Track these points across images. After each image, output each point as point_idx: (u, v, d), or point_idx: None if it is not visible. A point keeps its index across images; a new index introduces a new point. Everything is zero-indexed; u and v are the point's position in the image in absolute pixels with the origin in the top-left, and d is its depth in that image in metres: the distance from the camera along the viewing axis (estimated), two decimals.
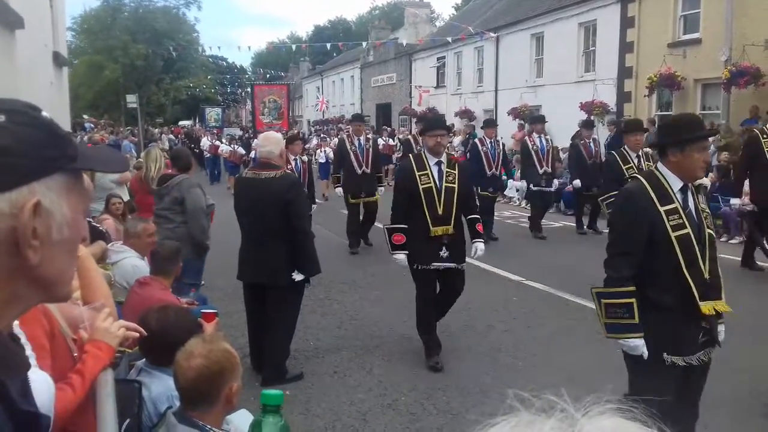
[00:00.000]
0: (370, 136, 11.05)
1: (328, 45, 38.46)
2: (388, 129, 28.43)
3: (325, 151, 21.42)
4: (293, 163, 9.06)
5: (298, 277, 5.23)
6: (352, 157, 10.58)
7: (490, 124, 12.29)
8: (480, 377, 5.36)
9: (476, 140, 12.07)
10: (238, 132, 31.74)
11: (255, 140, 23.98)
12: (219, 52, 65.92)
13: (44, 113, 0.95)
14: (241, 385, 2.47)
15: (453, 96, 28.53)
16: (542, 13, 22.50)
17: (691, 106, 16.32)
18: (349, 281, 8.50)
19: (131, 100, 33.39)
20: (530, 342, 6.19)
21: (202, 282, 7.72)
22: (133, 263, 4.88)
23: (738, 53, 14.15)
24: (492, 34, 24.85)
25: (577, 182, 11.98)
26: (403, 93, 33.69)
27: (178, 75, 43.56)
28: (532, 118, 14.05)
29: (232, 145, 22.60)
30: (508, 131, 22.33)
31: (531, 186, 11.81)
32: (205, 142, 24.62)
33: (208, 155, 23.90)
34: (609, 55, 19.08)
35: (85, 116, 41.27)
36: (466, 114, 26.22)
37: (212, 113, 38.04)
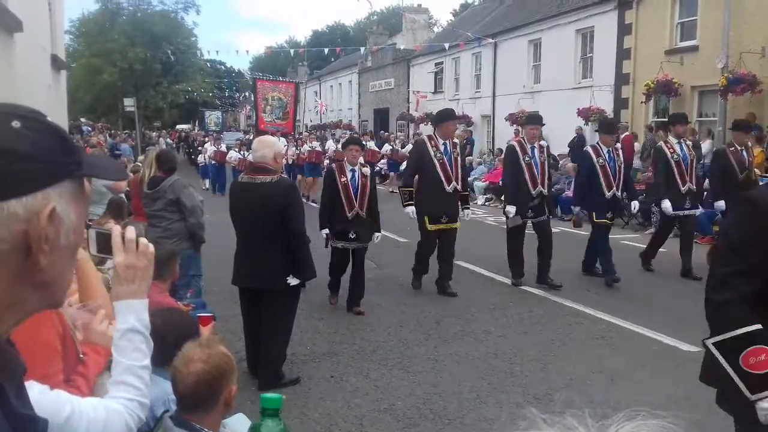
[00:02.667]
0: (456, 140, 8.58)
1: (326, 50, 38.46)
2: (399, 135, 27.51)
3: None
4: (348, 176, 7.26)
5: (293, 281, 5.23)
6: (438, 167, 7.97)
7: (609, 128, 9.16)
8: (477, 382, 5.36)
9: (589, 149, 8.94)
10: (241, 135, 31.33)
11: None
12: (217, 57, 65.95)
13: (49, 118, 0.96)
14: (238, 387, 2.47)
15: (451, 101, 28.54)
16: (540, 20, 22.58)
17: (687, 113, 16.32)
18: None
19: (129, 103, 33.38)
20: (527, 347, 6.19)
21: (201, 283, 7.71)
22: None
23: (735, 60, 14.20)
24: (490, 40, 24.91)
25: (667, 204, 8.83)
26: (401, 98, 33.73)
27: (176, 79, 43.50)
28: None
29: (242, 152, 20.19)
30: (504, 137, 22.40)
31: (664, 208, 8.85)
32: (209, 149, 22.48)
33: (213, 162, 21.81)
34: (606, 62, 19.14)
35: (83, 119, 41.24)
36: (463, 119, 26.26)
37: (212, 117, 37.96)
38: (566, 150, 18.23)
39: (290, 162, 21.25)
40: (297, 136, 24.48)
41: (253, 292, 5.36)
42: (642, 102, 17.28)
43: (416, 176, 8.36)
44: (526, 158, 8.38)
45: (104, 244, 1.63)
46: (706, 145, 14.57)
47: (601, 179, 8.50)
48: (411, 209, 8.12)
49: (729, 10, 14.29)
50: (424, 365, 5.75)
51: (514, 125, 22.06)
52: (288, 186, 5.40)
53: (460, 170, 8.20)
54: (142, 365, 1.67)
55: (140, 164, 8.22)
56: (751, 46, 14.07)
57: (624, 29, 18.44)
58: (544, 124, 8.87)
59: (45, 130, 0.91)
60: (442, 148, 8.09)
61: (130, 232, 1.62)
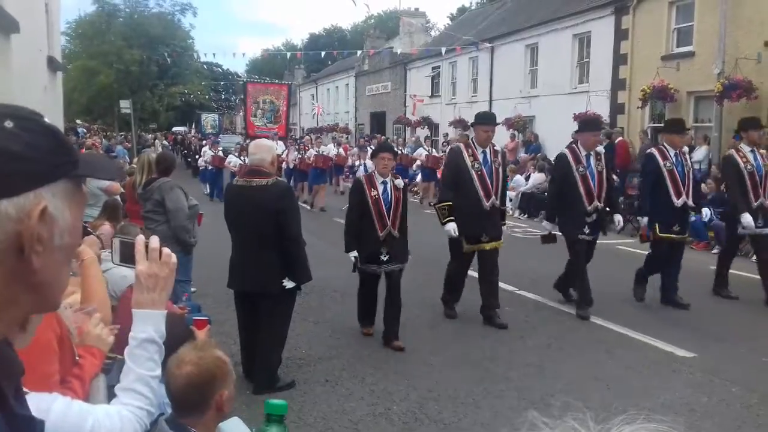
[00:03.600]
0: (498, 148, 7.42)
1: (323, 53, 38.52)
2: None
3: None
4: (380, 189, 6.31)
5: (289, 284, 5.22)
6: (475, 180, 6.93)
7: (677, 127, 8.03)
8: (472, 387, 5.35)
9: (654, 152, 7.81)
10: (239, 139, 31.06)
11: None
12: (214, 59, 65.75)
13: (46, 119, 0.95)
14: (233, 392, 2.45)
15: (447, 105, 28.60)
16: (537, 24, 22.63)
17: (684, 118, 16.40)
18: (342, 289, 8.47)
19: (125, 105, 33.33)
20: (523, 352, 6.19)
21: (193, 288, 7.69)
22: (122, 273, 4.83)
23: (731, 66, 14.25)
24: (487, 45, 24.96)
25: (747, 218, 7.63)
26: (398, 102, 33.76)
27: (173, 81, 43.52)
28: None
29: (242, 157, 18.50)
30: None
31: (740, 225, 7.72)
32: (207, 153, 21.52)
33: (210, 167, 20.82)
34: (603, 67, 19.19)
35: (78, 121, 41.21)
36: (460, 123, 26.28)
37: (209, 119, 37.72)
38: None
39: (291, 167, 20.69)
40: (299, 140, 24.06)
41: (248, 295, 5.35)
42: (638, 107, 17.32)
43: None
44: (581, 169, 7.20)
45: (128, 254, 1.66)
46: (702, 151, 14.62)
47: (669, 185, 7.43)
48: (452, 226, 6.89)
49: (725, 17, 14.35)
50: (420, 370, 5.74)
51: (511, 130, 22.11)
52: (284, 189, 5.39)
53: (501, 183, 7.10)
54: (154, 375, 1.69)
55: (134, 166, 8.20)
56: (747, 52, 14.12)
57: (621, 35, 18.50)
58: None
59: (39, 130, 0.91)
60: (480, 157, 7.00)
61: (154, 241, 1.64)
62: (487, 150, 7.08)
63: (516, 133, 22.11)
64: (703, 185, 12.77)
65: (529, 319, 7.32)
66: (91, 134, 30.87)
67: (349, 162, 22.94)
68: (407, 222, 6.50)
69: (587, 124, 8.25)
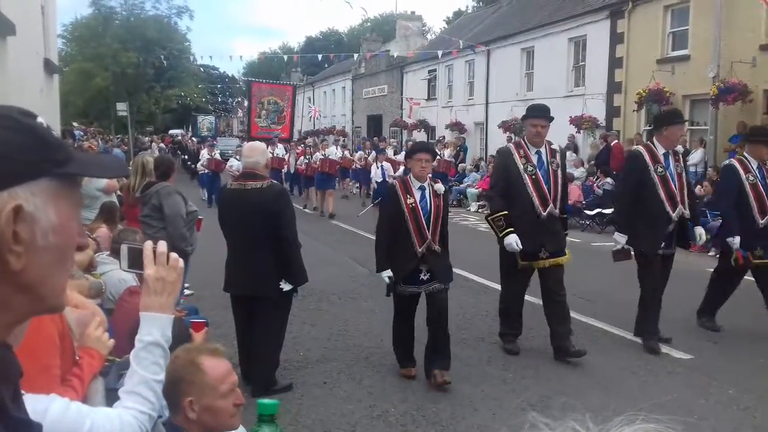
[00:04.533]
0: (555, 146, 6.39)
1: (320, 56, 38.56)
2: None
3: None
4: (417, 196, 5.38)
5: (286, 286, 5.22)
6: (529, 185, 5.96)
7: (763, 135, 6.89)
8: (470, 389, 5.35)
9: (734, 163, 6.80)
10: (237, 142, 30.72)
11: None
12: (210, 62, 65.94)
13: (39, 119, 0.94)
14: (208, 404, 2.37)
15: (444, 108, 28.66)
16: (533, 28, 22.71)
17: None
18: (340, 292, 8.47)
19: (121, 108, 33.26)
20: (520, 354, 6.19)
21: (190, 291, 7.68)
22: (119, 276, 4.83)
23: (726, 70, 14.32)
24: (483, 48, 25.02)
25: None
26: (394, 105, 33.82)
27: (169, 84, 43.53)
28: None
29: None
30: (497, 144, 22.47)
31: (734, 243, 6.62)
32: (204, 156, 20.36)
33: (206, 171, 19.75)
34: (598, 70, 19.26)
35: (75, 124, 41.14)
36: (457, 126, 26.35)
37: (205, 122, 37.63)
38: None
39: (292, 171, 20.25)
40: (300, 142, 23.48)
41: (245, 298, 5.35)
42: (634, 110, 17.38)
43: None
44: (659, 169, 6.11)
45: (135, 260, 1.68)
46: (698, 154, 14.68)
47: (752, 201, 6.50)
48: (514, 238, 5.87)
49: (720, 21, 14.42)
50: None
51: (507, 132, 22.15)
52: (279, 191, 5.39)
53: (560, 188, 6.09)
54: (158, 379, 1.70)
55: (130, 170, 8.18)
56: (742, 56, 14.20)
57: (616, 38, 18.57)
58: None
59: (17, 128, 0.89)
60: (534, 158, 6.03)
61: (162, 246, 1.66)
62: (542, 150, 6.09)
63: (513, 135, 22.15)
64: (698, 187, 12.81)
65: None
66: (88, 137, 30.81)
67: (356, 165, 21.95)
68: (448, 234, 5.60)
69: (671, 115, 6.72)
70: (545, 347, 6.41)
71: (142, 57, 38.34)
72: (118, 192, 8.37)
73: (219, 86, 65.71)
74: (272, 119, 20.05)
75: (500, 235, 6.00)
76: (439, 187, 5.53)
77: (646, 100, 16.46)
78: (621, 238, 6.39)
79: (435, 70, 29.88)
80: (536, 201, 5.94)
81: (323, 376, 5.65)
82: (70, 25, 41.46)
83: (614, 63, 18.67)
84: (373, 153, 20.44)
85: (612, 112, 18.78)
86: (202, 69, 53.88)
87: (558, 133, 18.85)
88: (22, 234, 0.86)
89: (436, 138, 26.31)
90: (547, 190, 5.98)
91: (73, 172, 0.94)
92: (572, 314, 7.61)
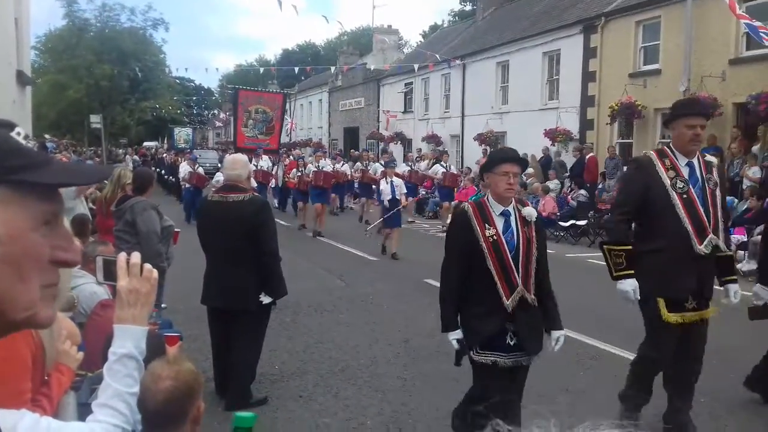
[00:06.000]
0: (712, 159, 4.70)
1: (296, 69, 38.59)
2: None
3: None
4: (499, 225, 3.82)
5: (266, 299, 5.20)
6: (679, 207, 4.28)
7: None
8: (446, 400, 5.35)
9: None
10: (216, 155, 30.08)
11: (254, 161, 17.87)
12: (186, 74, 65.55)
13: (18, 129, 0.93)
14: (205, 406, 2.44)
15: (420, 121, 28.82)
16: (508, 42, 22.98)
17: (651, 135, 16.76)
18: (315, 304, 8.45)
19: (95, 120, 33.04)
20: None
21: (163, 305, 7.60)
22: (91, 290, 4.75)
23: (696, 84, 14.60)
24: (458, 62, 25.24)
25: None
26: (371, 117, 33.93)
27: (144, 96, 43.22)
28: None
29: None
30: (473, 157, 22.65)
31: None
32: (185, 169, 18.42)
33: (188, 186, 17.81)
34: (572, 84, 19.52)
35: (47, 136, 40.62)
36: (433, 139, 26.50)
37: (182, 134, 37.22)
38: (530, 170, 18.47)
39: (280, 185, 18.91)
40: (291, 155, 21.66)
41: (222, 311, 5.31)
42: (607, 123, 17.63)
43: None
44: (679, 184, 4.32)
45: (110, 271, 1.67)
46: None
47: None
48: (632, 284, 4.37)
49: (690, 36, 14.72)
50: (394, 384, 5.74)
51: (482, 145, 22.32)
52: (261, 204, 5.38)
53: (719, 213, 4.42)
54: (131, 392, 1.68)
55: (105, 181, 8.08)
56: (712, 70, 14.50)
57: (589, 53, 18.86)
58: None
59: None
60: (685, 171, 4.35)
61: (135, 257, 1.65)
62: (695, 161, 4.40)
63: (488, 148, 22.34)
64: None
65: None
66: (61, 149, 30.44)
67: (353, 178, 20.41)
68: (548, 276, 4.02)
69: (680, 105, 4.73)
70: None
71: (116, 69, 38.02)
72: (91, 205, 8.28)
73: (194, 98, 65.36)
74: (260, 129, 19.09)
75: (614, 274, 4.48)
76: (530, 211, 3.93)
77: (618, 113, 16.71)
78: (764, 292, 4.97)
79: (411, 83, 30.07)
80: (690, 229, 4.23)
81: (299, 389, 5.62)
82: (44, 37, 41.09)
83: (587, 77, 18.95)
84: (376, 166, 18.33)
85: (585, 125, 19.04)
86: (177, 81, 53.54)
87: (532, 146, 19.15)
88: None
89: (410, 150, 26.37)
90: (704, 216, 4.27)
91: (30, 180, 0.88)
92: None
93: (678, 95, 14.86)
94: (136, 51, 40.65)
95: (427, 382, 5.80)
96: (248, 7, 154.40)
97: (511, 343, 3.81)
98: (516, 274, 3.77)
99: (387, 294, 9.16)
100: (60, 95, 38.77)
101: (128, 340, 1.66)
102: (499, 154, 4.07)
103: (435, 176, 18.22)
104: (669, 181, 4.29)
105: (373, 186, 16.93)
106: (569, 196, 16.38)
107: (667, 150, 4.45)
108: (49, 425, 1.50)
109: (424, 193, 19.97)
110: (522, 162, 4.02)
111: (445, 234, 4.06)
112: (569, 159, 18.52)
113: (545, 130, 19.38)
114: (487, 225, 3.80)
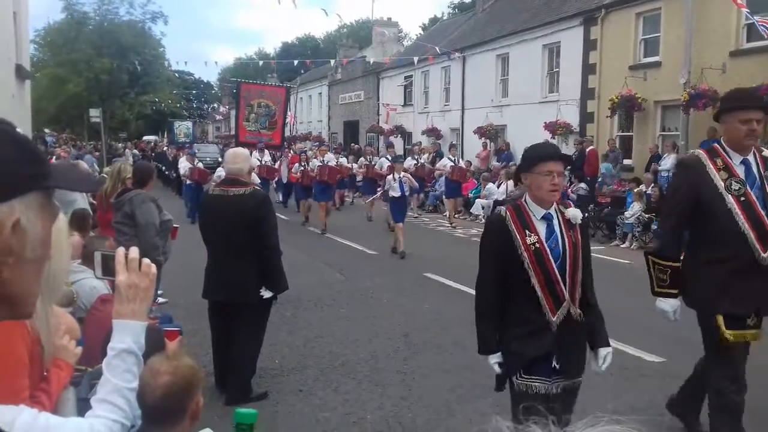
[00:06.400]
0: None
1: (296, 62, 38.51)
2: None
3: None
4: (541, 231, 3.34)
5: (266, 294, 5.21)
6: (736, 211, 3.81)
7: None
8: (446, 395, 5.37)
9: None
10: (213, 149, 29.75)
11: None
12: (186, 67, 65.56)
13: (18, 130, 0.94)
14: (204, 400, 2.45)
15: (420, 114, 28.77)
16: (508, 35, 22.90)
17: (651, 127, 16.74)
18: (315, 299, 8.46)
19: (94, 114, 32.94)
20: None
21: (164, 300, 7.61)
22: (91, 284, 4.75)
23: (696, 76, 14.56)
24: (458, 54, 25.18)
25: None
26: (371, 110, 33.87)
27: (144, 89, 43.15)
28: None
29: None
30: (473, 150, 22.62)
31: None
32: (184, 164, 17.81)
33: (189, 182, 17.09)
34: (572, 77, 19.47)
35: (47, 130, 40.59)
36: (433, 132, 26.46)
37: (182, 127, 36.84)
38: None
39: (285, 181, 18.63)
40: (292, 149, 21.45)
41: (223, 305, 5.32)
42: (607, 116, 17.60)
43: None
44: (734, 185, 3.84)
45: (109, 266, 1.67)
46: (671, 159, 14.89)
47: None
48: (673, 305, 4.11)
49: (691, 27, 14.66)
50: (393, 378, 5.75)
51: (482, 138, 22.29)
52: (261, 198, 5.37)
53: None
54: (130, 387, 1.69)
55: (105, 176, 8.08)
56: (712, 63, 14.45)
57: (589, 45, 18.80)
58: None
59: (11, 142, 0.90)
60: (740, 170, 3.87)
61: (134, 251, 1.65)
62: (750, 158, 3.91)
63: (488, 141, 22.33)
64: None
65: None
66: (60, 143, 30.42)
67: (356, 173, 19.99)
68: (592, 287, 3.60)
69: (730, 98, 4.16)
70: None
71: (116, 63, 37.93)
72: (92, 199, 8.27)
73: (194, 92, 65.27)
74: (262, 123, 18.47)
75: (655, 290, 4.16)
76: (574, 213, 3.44)
77: (618, 106, 16.68)
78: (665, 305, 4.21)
79: (411, 76, 29.99)
80: (751, 235, 3.74)
81: (299, 383, 5.64)
82: (43, 31, 40.99)
83: (587, 69, 18.89)
84: (382, 161, 17.45)
85: (586, 117, 18.99)
86: (177, 74, 53.45)
87: (532, 139, 19.07)
88: (15, 246, 0.88)
89: (412, 143, 26.29)
90: (765, 219, 3.77)
91: (56, 185, 0.95)
92: None
93: (679, 88, 14.85)
94: (136, 44, 40.54)
95: (426, 376, 5.81)
96: (246, 0, 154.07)
97: (557, 366, 3.31)
98: (563, 286, 3.28)
99: (387, 288, 9.16)
100: (59, 89, 38.70)
101: (127, 335, 1.66)
102: (540, 152, 3.45)
103: (444, 169, 17.14)
104: (722, 183, 3.81)
105: (378, 181, 16.48)
106: (569, 190, 16.37)
107: (719, 148, 3.91)
108: (47, 421, 1.50)
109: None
110: (566, 159, 3.68)
111: (479, 240, 3.61)
112: (569, 152, 18.51)
113: (545, 123, 19.34)
114: (527, 231, 3.30)
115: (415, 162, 18.66)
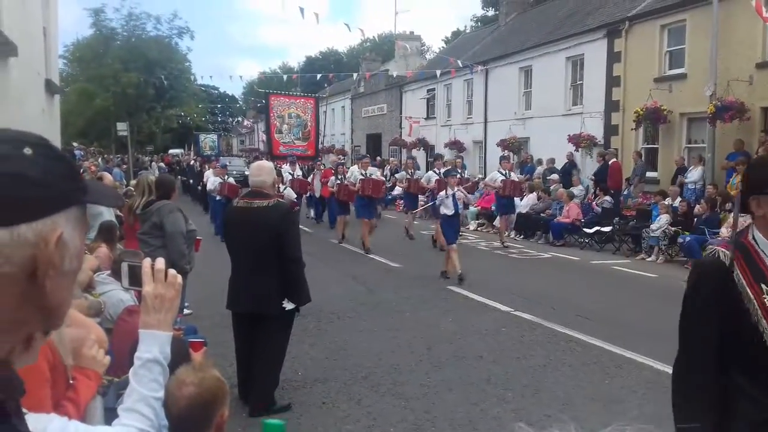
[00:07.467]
0: None
1: (319, 75, 38.76)
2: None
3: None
4: None
5: (289, 305, 5.23)
6: None
7: None
8: (469, 408, 5.34)
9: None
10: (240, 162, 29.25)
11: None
12: (211, 81, 66.29)
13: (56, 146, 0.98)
14: (229, 413, 2.46)
15: (443, 127, 28.78)
16: (531, 47, 22.87)
17: (677, 140, 16.57)
18: (338, 311, 8.47)
19: (122, 127, 33.39)
20: (519, 372, 6.18)
21: (189, 311, 7.68)
22: (119, 296, 4.82)
23: (722, 88, 14.40)
24: (481, 68, 25.18)
25: None
26: (394, 123, 33.95)
27: (170, 104, 43.68)
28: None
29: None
30: (496, 163, 22.53)
31: None
32: (213, 180, 16.14)
33: (218, 198, 15.67)
34: (596, 89, 19.37)
35: (75, 144, 41.27)
36: (455, 145, 26.45)
37: (207, 140, 37.19)
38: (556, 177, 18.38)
39: (317, 196, 17.74)
40: (336, 164, 19.17)
41: (246, 316, 5.35)
42: (632, 129, 17.46)
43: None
44: None
45: (134, 277, 1.70)
46: (697, 172, 14.73)
47: None
48: None
49: (716, 39, 14.52)
50: (416, 391, 5.72)
51: (505, 151, 22.22)
52: (285, 210, 5.42)
53: None
54: (157, 396, 1.71)
55: (132, 188, 8.21)
56: (739, 74, 14.28)
57: (613, 57, 18.70)
58: None
59: (54, 157, 0.94)
60: None
61: (160, 262, 1.67)
62: None
63: (511, 154, 22.25)
64: (697, 207, 12.92)
65: (524, 339, 7.31)
66: (88, 156, 30.89)
67: (399, 187, 18.53)
68: None
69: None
70: (544, 367, 6.39)
71: (143, 77, 38.48)
72: (118, 212, 8.39)
73: (219, 106, 66.01)
74: (296, 134, 17.69)
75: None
76: None
77: (643, 118, 16.54)
78: None
79: (434, 89, 30.05)
80: None
81: (322, 395, 5.64)
82: (72, 46, 41.72)
83: (612, 81, 18.78)
84: (430, 174, 15.28)
85: (610, 130, 18.86)
86: (202, 89, 54.10)
87: (556, 152, 19.05)
88: (56, 259, 0.90)
89: (434, 156, 25.98)
90: None
91: (90, 200, 0.98)
92: (572, 333, 7.57)
93: (705, 100, 14.69)
94: (162, 59, 41.06)
95: (449, 389, 5.78)
96: (270, 15, 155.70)
97: None
98: None
99: (410, 301, 9.15)
100: (87, 104, 39.31)
101: (153, 345, 1.68)
102: None
103: (494, 184, 15.36)
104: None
105: (420, 196, 15.41)
106: (594, 203, 16.24)
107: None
108: (77, 429, 1.53)
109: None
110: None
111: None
112: (593, 165, 18.38)
113: (569, 135, 19.24)
114: (763, 285, 2.11)
115: (408, 176, 16.83)
